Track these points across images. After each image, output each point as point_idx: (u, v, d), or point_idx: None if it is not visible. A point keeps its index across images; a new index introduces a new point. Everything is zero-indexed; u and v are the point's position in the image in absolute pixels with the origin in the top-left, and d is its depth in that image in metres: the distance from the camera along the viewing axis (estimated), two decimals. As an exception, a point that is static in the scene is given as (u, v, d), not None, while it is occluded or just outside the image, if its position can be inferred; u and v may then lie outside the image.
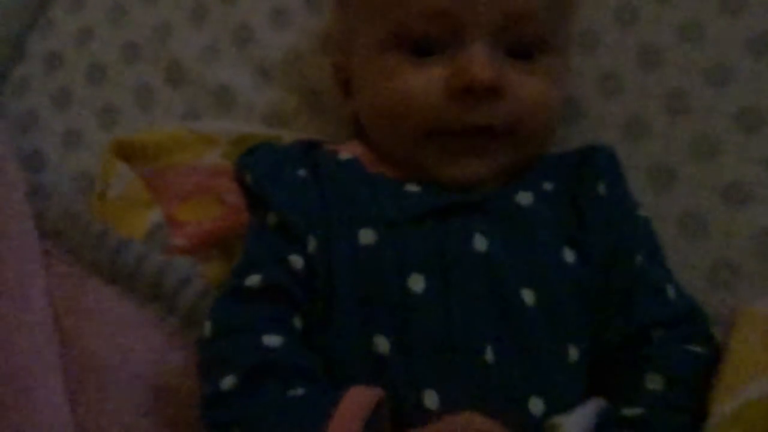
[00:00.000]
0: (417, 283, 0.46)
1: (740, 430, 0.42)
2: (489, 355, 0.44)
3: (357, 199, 0.50)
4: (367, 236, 0.48)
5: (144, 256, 0.55)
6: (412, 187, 0.51)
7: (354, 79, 0.55)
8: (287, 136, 0.62)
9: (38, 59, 0.69)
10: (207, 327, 0.48)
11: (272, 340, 0.46)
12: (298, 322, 0.48)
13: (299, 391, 0.44)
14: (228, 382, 0.45)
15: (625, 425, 0.44)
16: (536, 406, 0.44)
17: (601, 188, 0.52)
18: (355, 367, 0.46)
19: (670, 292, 0.49)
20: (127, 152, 0.62)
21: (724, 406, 0.43)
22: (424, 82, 0.49)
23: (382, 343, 0.45)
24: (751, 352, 0.45)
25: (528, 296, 0.46)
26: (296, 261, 0.48)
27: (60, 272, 0.57)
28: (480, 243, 0.47)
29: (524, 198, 0.50)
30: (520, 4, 0.49)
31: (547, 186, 0.51)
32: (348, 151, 0.55)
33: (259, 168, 0.53)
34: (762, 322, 0.47)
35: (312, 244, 0.49)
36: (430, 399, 0.43)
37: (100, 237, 0.56)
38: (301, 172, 0.53)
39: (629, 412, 0.45)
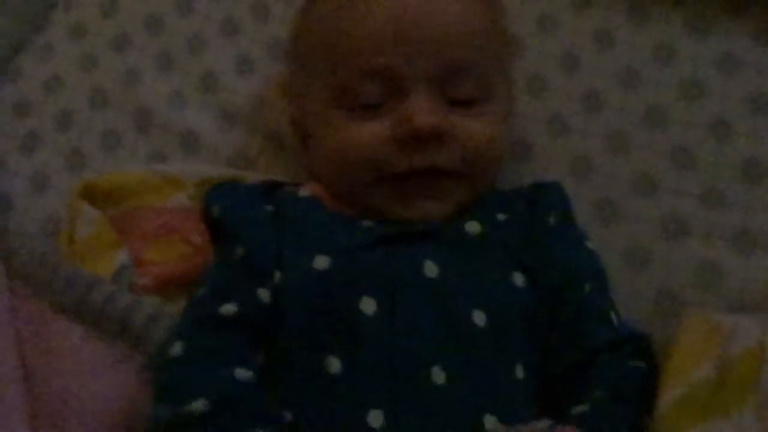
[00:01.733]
0: (368, 305, 0.48)
1: (688, 412, 0.44)
2: (437, 376, 0.47)
3: (313, 231, 0.52)
4: (321, 262, 0.50)
5: (112, 295, 0.56)
6: (367, 223, 0.53)
7: (308, 132, 0.58)
8: (251, 177, 0.64)
9: (7, 106, 0.71)
10: (177, 347, 0.49)
11: (243, 374, 0.48)
12: (261, 357, 0.50)
13: None
14: (198, 405, 0.46)
15: (572, 420, 0.46)
16: (490, 423, 0.46)
17: (552, 220, 0.55)
18: (306, 386, 0.47)
19: (614, 319, 0.52)
20: (93, 195, 0.64)
21: (670, 392, 0.45)
22: (369, 133, 0.52)
23: (334, 363, 0.47)
24: (694, 344, 0.47)
25: (479, 317, 0.49)
26: (264, 294, 0.51)
27: (27, 312, 0.57)
28: (430, 269, 0.50)
29: (472, 227, 0.53)
30: (456, 57, 0.52)
31: (501, 217, 0.54)
32: (307, 189, 0.57)
33: (225, 203, 0.56)
34: (703, 322, 0.50)
35: (277, 277, 0.51)
36: (375, 418, 0.45)
37: (69, 277, 0.57)
38: (264, 208, 0.55)
39: (576, 409, 0.47)
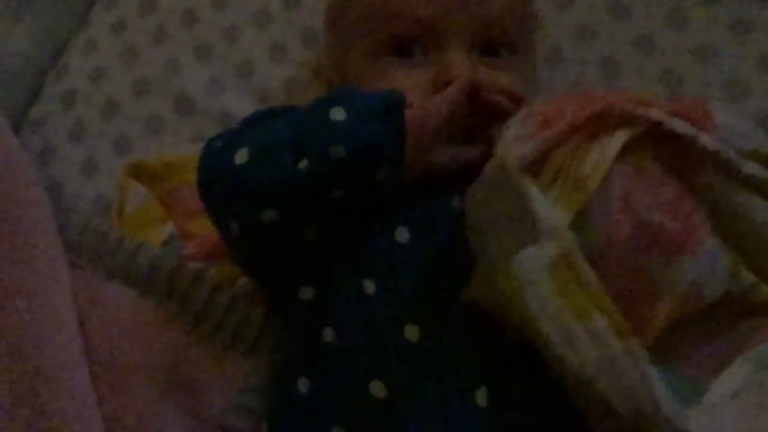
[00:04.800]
0: (402, 234, 0.52)
1: None
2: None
3: None
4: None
5: (158, 258, 0.60)
6: None
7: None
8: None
9: (54, 99, 0.76)
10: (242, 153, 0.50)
11: None
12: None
13: None
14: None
15: None
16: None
17: None
18: (348, 306, 0.51)
19: None
20: (141, 174, 0.68)
21: None
22: (413, 81, 0.56)
23: (369, 286, 0.51)
24: None
25: None
26: None
27: (82, 279, 0.61)
28: (457, 202, 0.52)
29: None
30: (488, 14, 0.57)
31: None
32: None
33: None
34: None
35: None
36: (412, 333, 0.49)
37: (118, 244, 0.61)
38: None
39: None
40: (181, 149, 0.71)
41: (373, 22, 0.58)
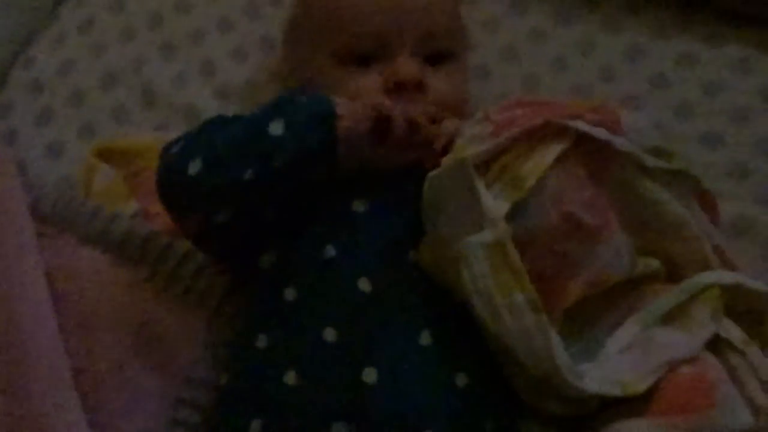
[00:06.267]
0: (359, 206, 0.60)
1: None
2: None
3: None
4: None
5: (133, 226, 0.65)
6: None
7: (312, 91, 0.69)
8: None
9: (20, 87, 0.80)
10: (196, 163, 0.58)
11: None
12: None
13: None
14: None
15: None
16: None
17: None
18: (310, 268, 0.58)
19: None
20: (106, 156, 0.73)
21: None
22: (365, 85, 0.65)
23: (330, 250, 0.58)
24: None
25: None
26: None
27: (54, 247, 0.65)
28: (407, 179, 0.60)
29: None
30: (431, 24, 0.67)
31: None
32: None
33: None
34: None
35: None
36: (365, 285, 0.57)
37: (94, 212, 0.66)
38: None
39: None
40: (145, 135, 0.76)
41: (329, 36, 0.67)
